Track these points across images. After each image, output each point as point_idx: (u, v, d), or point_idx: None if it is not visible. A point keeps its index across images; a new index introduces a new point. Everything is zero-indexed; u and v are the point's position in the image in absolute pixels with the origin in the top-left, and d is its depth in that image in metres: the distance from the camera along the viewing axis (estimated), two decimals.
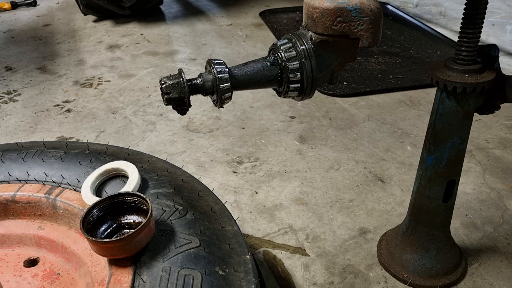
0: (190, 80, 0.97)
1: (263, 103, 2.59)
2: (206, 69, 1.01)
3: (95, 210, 1.01)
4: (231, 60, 3.16)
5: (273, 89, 1.09)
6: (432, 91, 2.62)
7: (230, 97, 0.99)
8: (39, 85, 2.90)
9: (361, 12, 0.94)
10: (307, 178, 1.97)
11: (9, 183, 1.22)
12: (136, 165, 1.19)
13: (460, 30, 1.14)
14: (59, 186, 1.19)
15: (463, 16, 1.12)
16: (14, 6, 4.54)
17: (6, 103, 2.69)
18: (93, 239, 0.94)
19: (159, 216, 1.07)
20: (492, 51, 1.16)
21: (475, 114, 1.23)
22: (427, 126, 1.30)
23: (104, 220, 1.03)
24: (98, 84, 2.89)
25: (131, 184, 1.13)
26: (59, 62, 3.24)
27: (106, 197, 1.04)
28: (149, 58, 3.27)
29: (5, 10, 4.49)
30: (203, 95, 0.99)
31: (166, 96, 0.94)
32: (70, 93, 2.79)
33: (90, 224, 1.00)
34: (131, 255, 0.96)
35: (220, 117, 2.47)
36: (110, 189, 1.17)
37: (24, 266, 1.13)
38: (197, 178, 1.27)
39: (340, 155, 2.12)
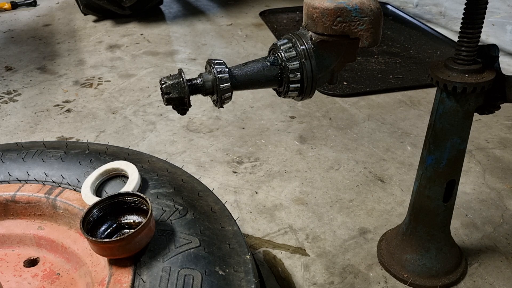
0: (190, 80, 0.97)
1: (263, 103, 2.59)
2: (206, 69, 1.01)
3: (95, 210, 1.01)
4: (231, 60, 3.16)
5: (273, 89, 1.09)
6: (432, 91, 2.62)
7: (230, 97, 0.99)
8: (39, 85, 2.90)
9: (361, 12, 0.94)
10: (307, 178, 1.97)
11: (9, 183, 1.22)
12: (136, 165, 1.19)
13: (460, 30, 1.14)
14: (59, 186, 1.19)
15: (463, 16, 1.12)
16: (14, 6, 4.54)
17: (6, 103, 2.69)
18: (93, 239, 0.94)
19: (159, 216, 1.07)
20: (492, 51, 1.16)
21: (475, 114, 1.23)
22: (427, 126, 1.30)
23: (104, 220, 1.03)
24: (98, 84, 2.89)
25: (131, 184, 1.13)
26: (59, 62, 3.24)
27: (106, 197, 1.04)
28: (149, 58, 3.27)
29: (5, 10, 4.49)
30: (203, 95, 0.99)
31: (166, 96, 0.94)
32: (70, 93, 2.79)
33: (90, 224, 1.00)
34: (131, 255, 0.96)
35: (220, 117, 2.47)
36: (110, 189, 1.17)
37: (24, 266, 1.13)
38: (197, 178, 1.27)
39: (340, 155, 2.12)
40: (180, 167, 1.32)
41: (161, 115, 2.50)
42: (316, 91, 1.10)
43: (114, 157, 1.28)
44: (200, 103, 2.58)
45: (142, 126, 2.40)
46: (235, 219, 1.13)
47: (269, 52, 1.06)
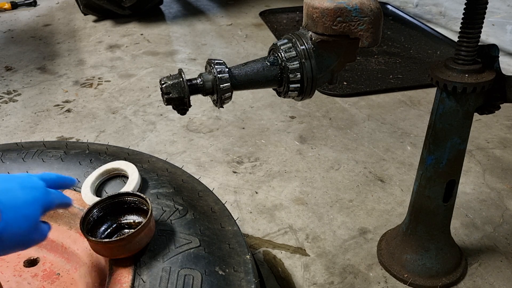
0: (190, 80, 0.97)
1: (263, 103, 2.59)
2: (206, 69, 1.01)
3: (95, 210, 1.01)
4: (231, 60, 3.16)
5: (273, 89, 1.09)
6: (432, 91, 2.62)
7: (230, 97, 0.99)
8: (39, 85, 2.90)
9: (361, 12, 0.94)
10: (307, 178, 1.97)
11: None
12: (136, 165, 1.19)
13: (460, 30, 1.14)
14: None
15: (463, 16, 1.12)
16: (14, 6, 4.54)
17: (6, 103, 2.69)
18: (93, 239, 0.94)
19: (159, 216, 1.07)
20: (492, 51, 1.16)
21: (475, 114, 1.23)
22: (427, 126, 1.30)
23: (104, 220, 1.03)
24: (98, 84, 2.89)
25: (131, 184, 1.13)
26: (59, 62, 3.24)
27: (106, 197, 1.04)
28: (149, 58, 3.27)
29: (5, 10, 4.49)
30: (203, 95, 0.99)
31: (166, 96, 0.94)
32: (70, 93, 2.79)
33: (90, 224, 1.00)
34: (131, 255, 0.96)
35: (220, 117, 2.47)
36: (110, 189, 1.17)
37: (24, 266, 1.13)
38: (197, 178, 1.27)
39: (340, 155, 2.12)
40: (180, 167, 1.32)
41: (161, 115, 2.50)
42: (316, 91, 1.10)
43: (114, 157, 1.28)
44: (200, 103, 2.58)
45: (142, 126, 2.40)
46: (235, 219, 1.13)
47: (269, 52, 1.06)
